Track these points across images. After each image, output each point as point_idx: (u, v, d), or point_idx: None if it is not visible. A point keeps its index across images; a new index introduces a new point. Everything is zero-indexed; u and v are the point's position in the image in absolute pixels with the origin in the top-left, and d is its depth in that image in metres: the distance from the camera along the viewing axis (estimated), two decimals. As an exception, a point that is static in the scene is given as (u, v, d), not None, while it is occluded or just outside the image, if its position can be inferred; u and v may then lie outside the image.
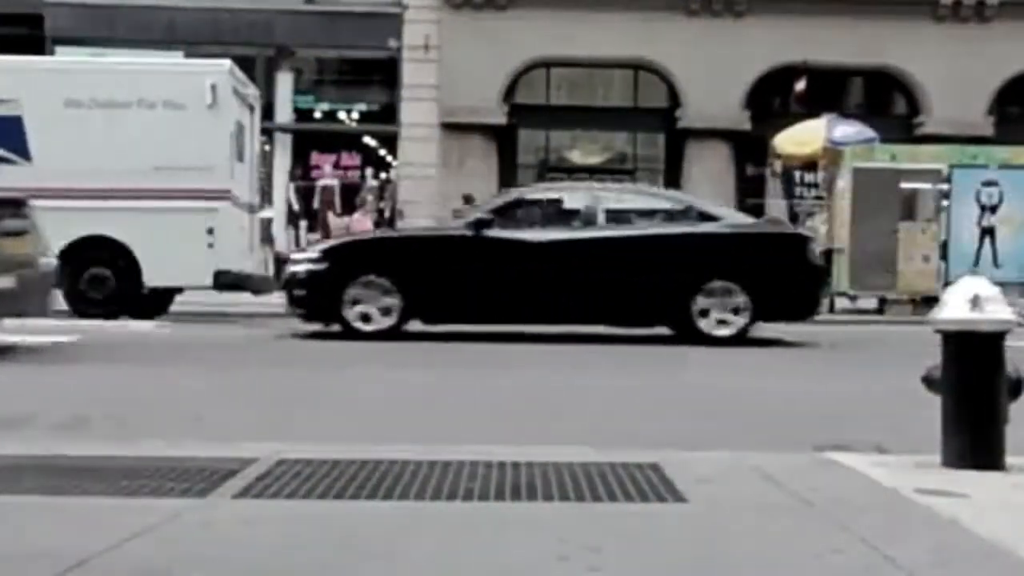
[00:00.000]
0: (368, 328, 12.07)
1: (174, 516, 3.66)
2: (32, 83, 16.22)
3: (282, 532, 3.51)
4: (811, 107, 22.85)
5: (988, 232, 18.66)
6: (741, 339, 12.14)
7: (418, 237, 12.92)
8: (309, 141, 26.71)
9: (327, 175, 26.08)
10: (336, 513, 3.79)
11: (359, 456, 4.71)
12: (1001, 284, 4.84)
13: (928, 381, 4.62)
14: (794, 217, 26.40)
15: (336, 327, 12.26)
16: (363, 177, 25.97)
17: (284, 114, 26.20)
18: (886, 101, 26.96)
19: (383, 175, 26.91)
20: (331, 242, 12.67)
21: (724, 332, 12.15)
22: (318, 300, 12.32)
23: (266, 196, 22.71)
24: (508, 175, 26.06)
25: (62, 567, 3.02)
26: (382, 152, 27.45)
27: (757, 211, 26.75)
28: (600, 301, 12.35)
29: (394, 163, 26.78)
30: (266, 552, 3.29)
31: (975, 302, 4.45)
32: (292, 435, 5.54)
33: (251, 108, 18.19)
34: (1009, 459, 4.49)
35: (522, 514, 3.81)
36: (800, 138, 20.67)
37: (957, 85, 24.99)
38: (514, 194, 13.68)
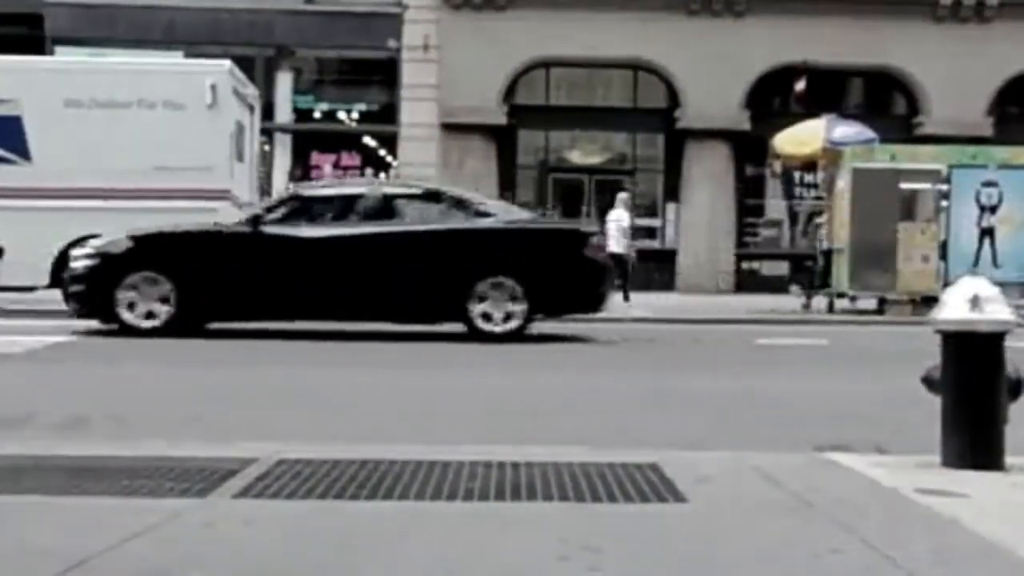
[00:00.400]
0: (144, 325, 12.03)
1: (174, 516, 3.67)
2: (32, 83, 16.24)
3: (282, 532, 3.52)
4: (811, 107, 22.82)
5: (988, 232, 18.65)
6: (519, 335, 12.08)
7: (194, 233, 12.60)
8: (309, 141, 26.70)
9: (327, 175, 26.08)
10: (336, 513, 3.79)
11: (359, 456, 4.71)
12: (1001, 284, 4.84)
13: (928, 381, 4.62)
14: (794, 217, 26.48)
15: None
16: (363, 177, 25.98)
17: (284, 114, 26.19)
18: (886, 101, 26.94)
19: (383, 175, 26.90)
20: (107, 238, 12.53)
21: (501, 328, 12.13)
22: (93, 297, 12.25)
23: (266, 196, 22.74)
24: (508, 175, 26.07)
25: (62, 567, 3.02)
26: (382, 152, 27.44)
27: (756, 211, 26.97)
28: (378, 298, 12.30)
29: (394, 163, 26.76)
30: (266, 552, 3.29)
31: (975, 302, 4.45)
32: (292, 435, 5.54)
33: (251, 108, 18.20)
34: (1009, 459, 4.49)
35: (522, 514, 3.81)
36: (800, 138, 20.64)
37: (957, 85, 24.99)
38: (293, 190, 13.45)
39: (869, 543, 3.37)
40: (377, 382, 8.79)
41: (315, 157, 26.47)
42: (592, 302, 12.82)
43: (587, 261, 12.55)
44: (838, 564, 3.19)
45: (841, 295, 18.97)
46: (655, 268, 24.82)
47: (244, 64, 19.31)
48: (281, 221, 12.51)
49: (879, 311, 18.64)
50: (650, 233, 25.76)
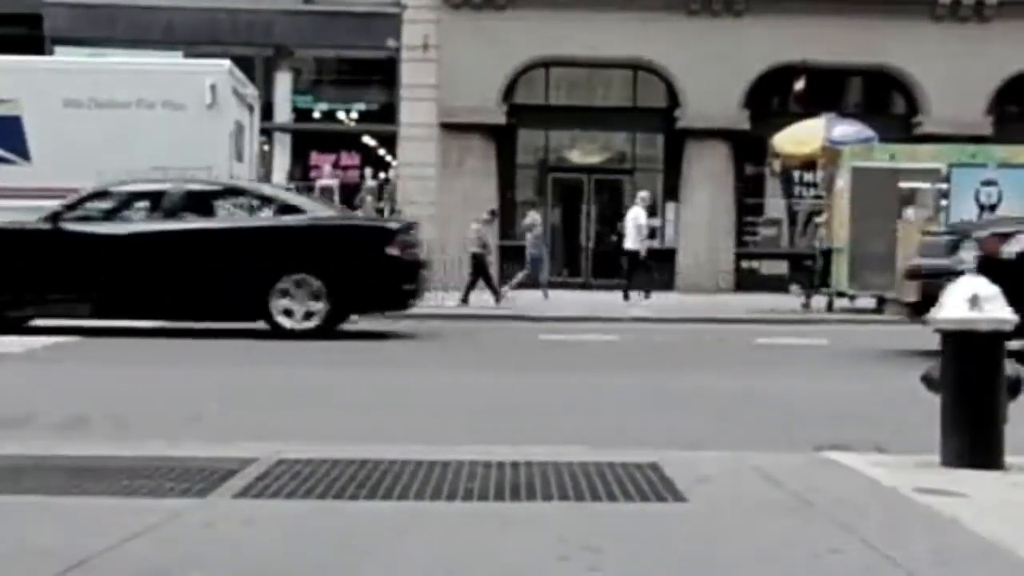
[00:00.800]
0: None
1: (174, 516, 3.67)
2: (31, 83, 16.25)
3: (282, 532, 3.52)
4: (810, 107, 22.80)
5: (987, 231, 18.62)
6: (323, 333, 12.02)
7: None
8: (308, 141, 26.69)
9: (326, 175, 26.05)
10: (336, 513, 3.79)
11: (359, 456, 4.71)
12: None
13: (927, 380, 4.62)
14: (793, 216, 26.47)
15: None
16: (362, 177, 25.96)
17: (283, 114, 26.18)
18: (885, 101, 26.93)
19: (382, 175, 26.89)
20: None
21: (303, 325, 12.08)
22: None
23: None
24: (507, 175, 26.05)
25: (62, 567, 3.02)
26: (381, 152, 27.44)
27: (756, 210, 26.96)
28: (177, 295, 12.25)
29: (393, 163, 26.76)
30: (266, 552, 3.29)
31: (974, 302, 4.45)
32: (292, 435, 5.54)
33: (250, 108, 18.21)
34: (1008, 458, 4.49)
35: (522, 514, 3.81)
36: (799, 138, 20.65)
37: (956, 84, 24.97)
38: (97, 186, 13.26)
39: (869, 543, 3.37)
40: (377, 381, 8.79)
41: (314, 157, 26.47)
42: (397, 300, 12.79)
43: (391, 259, 12.38)
44: (838, 564, 3.19)
45: (841, 294, 18.96)
46: (655, 268, 24.82)
47: (243, 64, 19.31)
48: (82, 218, 12.45)
49: (878, 310, 18.63)
50: (650, 232, 25.75)
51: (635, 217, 20.93)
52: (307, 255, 12.28)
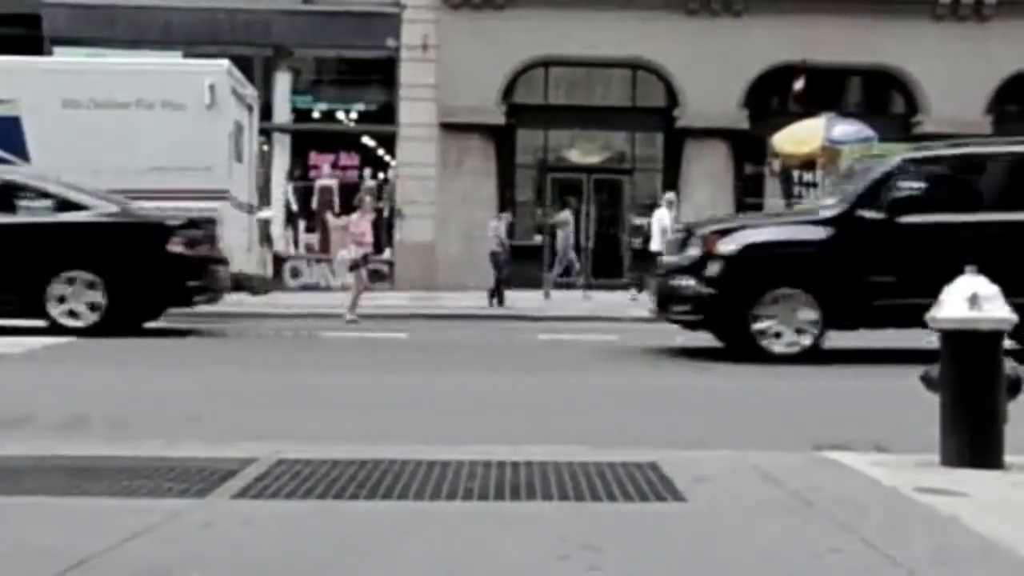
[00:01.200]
0: None
1: (174, 516, 3.67)
2: (30, 83, 16.25)
3: (282, 532, 3.52)
4: (810, 106, 22.80)
5: (986, 231, 18.58)
6: (102, 330, 11.97)
7: None
8: (308, 141, 26.67)
9: (325, 175, 26.06)
10: (336, 513, 3.79)
11: (359, 456, 4.71)
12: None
13: (927, 380, 4.62)
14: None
15: None
16: (361, 177, 25.95)
17: (282, 114, 26.17)
18: (885, 100, 26.94)
19: (381, 175, 26.88)
20: None
21: (83, 323, 12.09)
22: None
23: (264, 196, 22.76)
24: (507, 175, 26.04)
25: (62, 567, 3.02)
26: (380, 152, 27.41)
27: (756, 210, 26.91)
28: None
29: (393, 163, 26.75)
30: (266, 552, 3.29)
31: (974, 301, 4.45)
32: (292, 435, 5.54)
33: (249, 108, 18.21)
34: (1008, 458, 4.49)
35: (522, 513, 3.81)
36: (799, 137, 20.64)
37: (955, 84, 24.98)
38: None
39: (869, 542, 3.37)
40: (376, 382, 8.79)
41: (314, 157, 26.46)
42: (179, 297, 12.76)
43: (171, 256, 12.35)
44: (838, 563, 3.19)
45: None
46: (655, 267, 24.83)
47: (242, 64, 19.30)
48: None
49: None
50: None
51: (660, 219, 20.99)
52: (84, 252, 12.30)
